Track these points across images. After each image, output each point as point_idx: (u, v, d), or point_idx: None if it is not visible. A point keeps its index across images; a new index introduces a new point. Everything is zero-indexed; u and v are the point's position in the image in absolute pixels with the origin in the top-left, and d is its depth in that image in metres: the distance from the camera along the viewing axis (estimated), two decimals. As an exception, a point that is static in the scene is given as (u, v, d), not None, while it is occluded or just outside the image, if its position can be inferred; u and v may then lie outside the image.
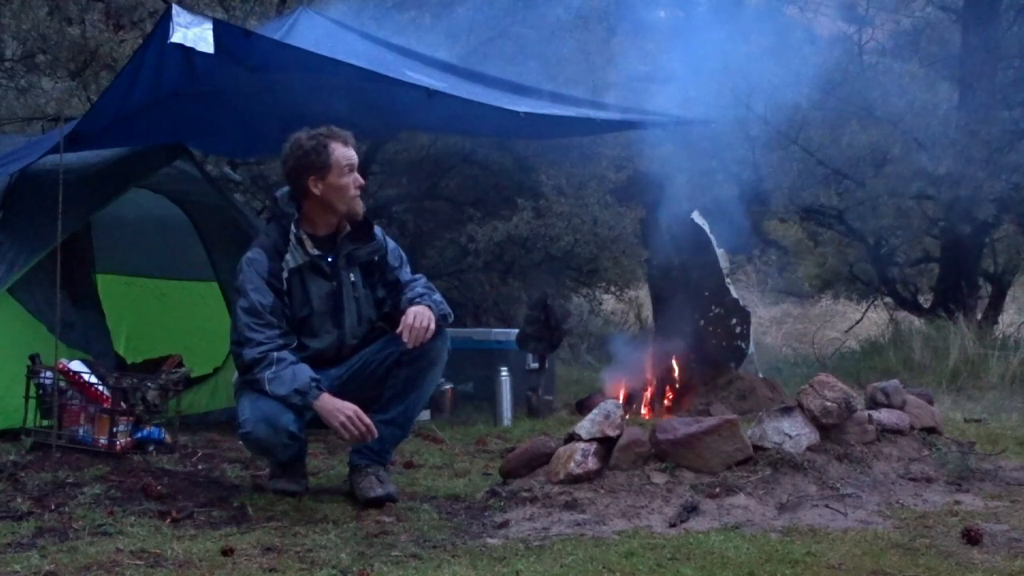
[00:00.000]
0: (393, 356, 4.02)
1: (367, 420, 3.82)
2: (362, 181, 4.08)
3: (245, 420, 3.87)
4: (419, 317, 3.90)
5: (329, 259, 4.07)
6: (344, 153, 4.02)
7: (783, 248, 13.26)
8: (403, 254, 4.27)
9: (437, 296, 4.10)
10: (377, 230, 4.22)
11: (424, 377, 4.06)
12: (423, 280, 4.18)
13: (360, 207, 4.09)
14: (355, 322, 4.11)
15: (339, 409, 3.80)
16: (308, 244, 4.04)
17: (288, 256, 4.02)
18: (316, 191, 4.00)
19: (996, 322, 10.59)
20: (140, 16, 7.54)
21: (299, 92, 5.37)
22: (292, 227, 4.02)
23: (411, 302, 4.00)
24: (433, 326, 3.93)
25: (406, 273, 4.19)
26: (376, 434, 3.87)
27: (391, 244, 4.24)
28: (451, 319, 4.13)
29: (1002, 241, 11.08)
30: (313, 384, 3.84)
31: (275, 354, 3.87)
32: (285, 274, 4.01)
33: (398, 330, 3.90)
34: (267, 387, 3.82)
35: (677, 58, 7.11)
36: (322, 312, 4.06)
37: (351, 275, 4.10)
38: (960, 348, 8.77)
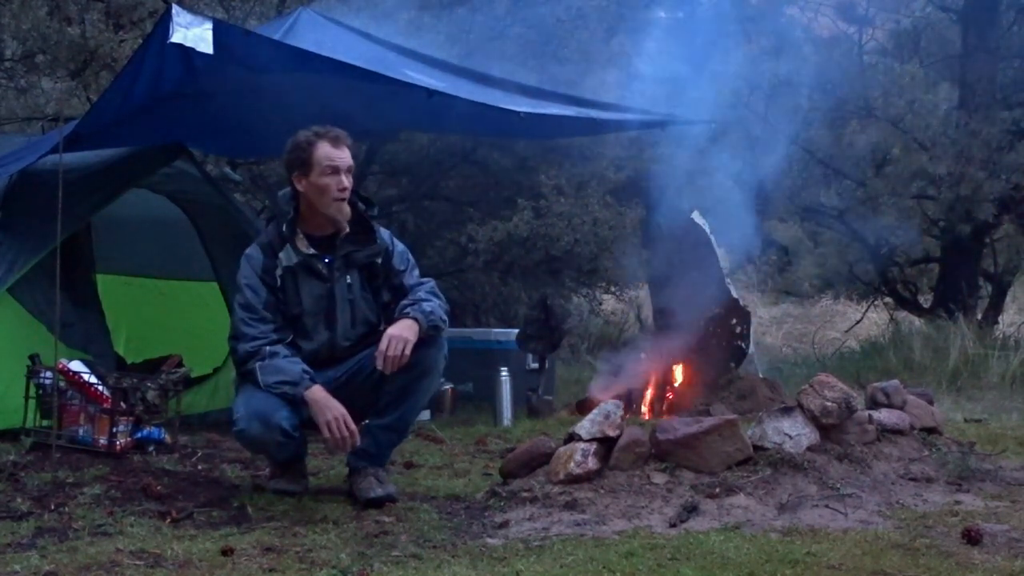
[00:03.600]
0: None
1: (353, 427, 3.80)
2: (346, 184, 3.95)
3: (239, 417, 3.87)
4: (393, 343, 3.81)
5: (327, 260, 4.06)
6: (327, 153, 3.95)
7: (783, 248, 13.26)
8: (411, 258, 4.19)
9: (431, 304, 3.98)
10: (385, 233, 4.17)
11: (418, 386, 4.02)
12: (428, 285, 4.10)
13: (343, 213, 4.00)
14: (348, 324, 4.08)
15: (328, 407, 3.79)
16: (303, 244, 4.03)
17: (282, 254, 4.02)
18: (300, 188, 4.00)
19: (996, 322, 10.60)
20: (140, 16, 7.53)
21: (299, 92, 5.36)
22: (285, 226, 4.03)
23: (401, 311, 3.94)
24: (408, 350, 3.82)
25: (412, 277, 4.12)
26: (358, 443, 3.86)
27: (399, 247, 4.18)
28: (446, 327, 4.05)
29: (1002, 241, 11.09)
30: (306, 376, 3.84)
31: (268, 348, 3.88)
32: (279, 271, 4.00)
33: (376, 352, 3.85)
34: (259, 377, 3.83)
35: (677, 58, 7.11)
36: (314, 312, 4.04)
37: (348, 277, 4.07)
38: (960, 348, 8.79)
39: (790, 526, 3.59)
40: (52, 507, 3.78)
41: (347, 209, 4.03)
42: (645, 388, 6.95)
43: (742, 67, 8.31)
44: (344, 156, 3.98)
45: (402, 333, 3.85)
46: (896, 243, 10.85)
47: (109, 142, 5.47)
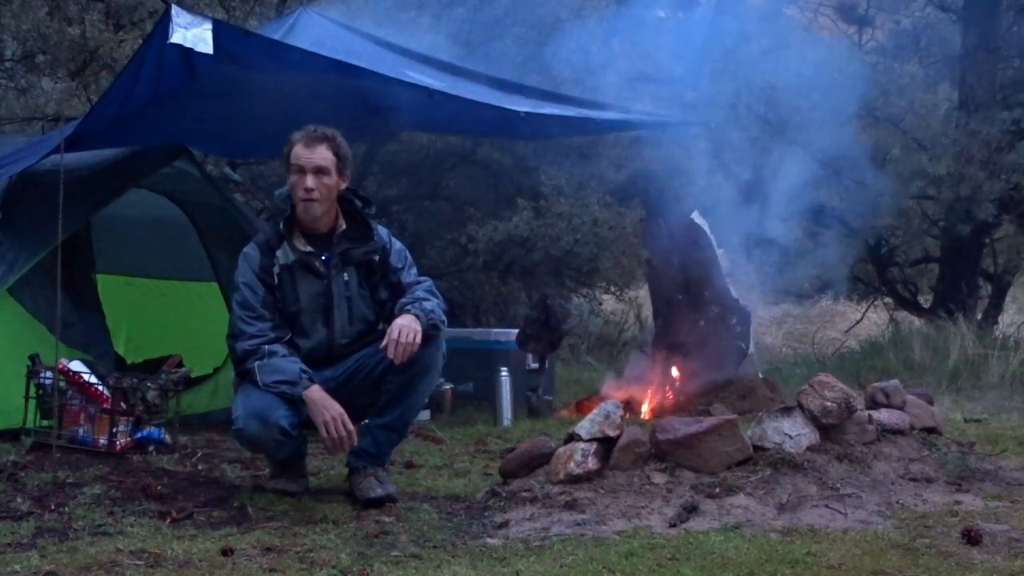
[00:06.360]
0: (386, 362, 3.95)
1: (351, 427, 3.82)
2: (309, 185, 3.94)
3: (237, 416, 3.88)
4: (404, 332, 3.83)
5: (324, 257, 4.06)
6: (296, 151, 3.97)
7: (783, 248, 13.24)
8: (408, 256, 4.21)
9: (431, 304, 4.00)
10: (382, 231, 4.19)
11: (417, 384, 4.03)
12: (426, 284, 4.11)
13: (309, 212, 3.99)
14: (345, 322, 4.08)
15: (326, 407, 3.81)
16: (300, 241, 4.04)
17: (279, 252, 4.03)
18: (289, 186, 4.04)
19: (996, 322, 10.59)
20: (140, 16, 7.54)
21: (299, 92, 5.37)
22: (282, 224, 4.03)
23: (402, 309, 3.95)
24: (419, 339, 3.85)
25: (409, 275, 4.13)
26: (355, 443, 3.88)
27: (397, 245, 4.19)
28: (444, 326, 4.06)
29: (1002, 241, 11.09)
30: (304, 376, 3.85)
31: (267, 347, 3.90)
32: (276, 269, 4.01)
33: (382, 344, 3.87)
34: (258, 376, 3.84)
35: (677, 58, 7.11)
36: (311, 310, 4.05)
37: (345, 274, 4.07)
38: (960, 348, 8.77)
39: (790, 526, 3.59)
40: (52, 507, 3.79)
41: (316, 211, 3.99)
42: (645, 388, 6.95)
43: (742, 67, 8.30)
44: (311, 156, 3.96)
45: (411, 324, 3.86)
46: (896, 243, 10.85)
47: (109, 142, 5.48)
